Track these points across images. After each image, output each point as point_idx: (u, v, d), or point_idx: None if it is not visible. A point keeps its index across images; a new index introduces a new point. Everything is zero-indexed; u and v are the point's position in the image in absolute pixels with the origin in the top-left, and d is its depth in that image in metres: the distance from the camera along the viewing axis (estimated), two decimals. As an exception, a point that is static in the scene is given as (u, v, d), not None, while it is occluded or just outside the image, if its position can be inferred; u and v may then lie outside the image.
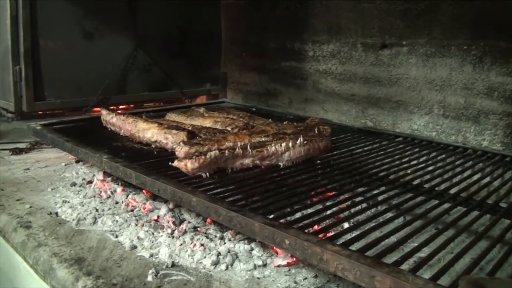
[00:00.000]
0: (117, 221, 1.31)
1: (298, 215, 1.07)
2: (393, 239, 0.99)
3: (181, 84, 2.41)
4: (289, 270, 1.09)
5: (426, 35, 1.80)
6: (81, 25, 1.95)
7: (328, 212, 1.09)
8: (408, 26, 1.86)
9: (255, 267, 1.09)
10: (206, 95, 2.76)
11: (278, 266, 1.10)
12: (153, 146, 1.54)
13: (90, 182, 1.62)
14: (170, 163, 1.28)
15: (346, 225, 1.12)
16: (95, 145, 1.50)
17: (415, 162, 1.54)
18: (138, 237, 1.21)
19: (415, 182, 1.34)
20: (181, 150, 1.28)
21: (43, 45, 1.85)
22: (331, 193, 1.24)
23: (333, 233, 0.99)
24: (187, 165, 1.20)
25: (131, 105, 2.15)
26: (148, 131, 1.47)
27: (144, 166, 1.30)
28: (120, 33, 2.07)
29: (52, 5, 1.87)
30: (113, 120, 1.60)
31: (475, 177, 1.40)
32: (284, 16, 2.38)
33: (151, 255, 1.14)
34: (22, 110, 1.86)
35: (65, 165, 1.88)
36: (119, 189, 1.52)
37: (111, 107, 1.86)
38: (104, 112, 1.66)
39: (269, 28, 2.48)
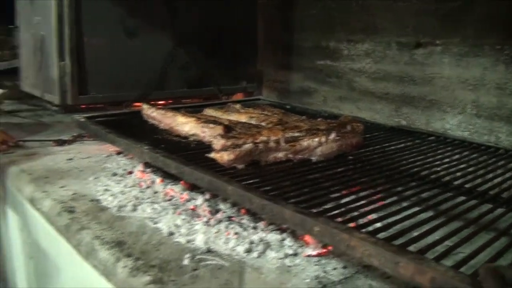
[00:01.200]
0: (156, 209, 1.37)
1: (327, 206, 1.11)
2: (418, 231, 1.02)
3: (218, 81, 2.48)
4: (319, 260, 1.12)
5: (459, 34, 1.80)
6: (123, 24, 2.03)
7: (357, 204, 1.13)
8: (442, 25, 1.87)
9: (286, 256, 1.12)
10: (242, 92, 2.82)
11: (308, 256, 1.13)
12: (190, 139, 1.60)
13: (130, 172, 1.69)
14: (206, 154, 1.34)
15: (374, 216, 1.15)
16: (136, 137, 1.57)
17: (446, 160, 1.55)
18: (175, 224, 1.27)
19: (445, 179, 1.36)
20: (218, 143, 1.34)
21: (87, 42, 1.95)
22: (361, 187, 1.27)
23: (360, 223, 1.02)
24: (223, 157, 1.25)
25: (170, 101, 2.22)
26: (186, 125, 1.54)
27: (183, 157, 1.37)
28: (160, 31, 2.15)
29: (96, 4, 1.96)
30: (153, 114, 1.67)
31: (507, 175, 1.40)
32: (320, 15, 2.41)
33: (188, 241, 1.20)
34: (67, 104, 1.95)
35: (106, 156, 1.97)
36: (158, 180, 1.59)
37: (151, 102, 1.94)
38: (145, 106, 1.74)
39: (305, 27, 2.52)
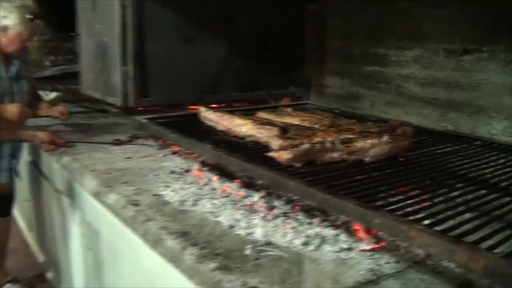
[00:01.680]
0: (215, 204, 1.46)
1: (382, 202, 1.17)
2: (468, 226, 1.07)
3: (268, 86, 2.56)
4: (373, 255, 1.17)
5: (505, 41, 1.83)
6: (182, 31, 2.14)
7: (409, 201, 1.19)
8: (488, 32, 1.90)
9: (341, 249, 1.18)
10: (290, 97, 2.89)
11: (363, 250, 1.18)
12: (247, 139, 1.68)
13: (187, 171, 1.79)
14: (265, 153, 1.42)
15: (424, 213, 1.20)
16: (197, 137, 1.67)
17: (492, 164, 1.59)
18: (235, 218, 1.35)
19: (492, 181, 1.40)
20: (275, 143, 1.41)
21: (148, 49, 2.06)
22: (412, 187, 1.32)
23: (414, 218, 1.08)
24: (282, 156, 1.33)
25: (222, 104, 2.31)
26: (244, 126, 1.62)
27: (243, 155, 1.45)
28: (215, 38, 2.24)
29: (157, 12, 2.08)
30: (211, 116, 1.76)
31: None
32: (369, 22, 2.47)
33: (248, 234, 1.27)
34: (128, 105, 2.07)
35: (163, 156, 2.07)
36: (214, 178, 1.68)
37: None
38: (203, 109, 1.83)
39: (353, 34, 2.57)
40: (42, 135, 2.09)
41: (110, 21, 2.08)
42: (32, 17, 2.19)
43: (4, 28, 2.15)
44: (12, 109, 2.11)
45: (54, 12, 3.78)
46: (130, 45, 2.01)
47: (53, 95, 3.30)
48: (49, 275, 2.86)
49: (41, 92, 3.00)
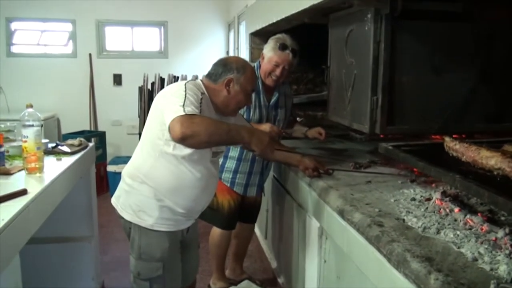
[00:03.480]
0: (458, 235, 1.49)
1: None
2: None
3: (517, 117, 2.41)
4: None
5: None
6: (431, 62, 2.19)
7: None
8: None
9: None
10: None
11: None
12: (495, 173, 1.66)
13: (428, 199, 1.85)
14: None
15: None
16: (442, 167, 1.71)
17: None
18: (478, 252, 1.37)
19: None
20: (527, 179, 1.38)
21: (398, 80, 2.17)
22: None
23: None
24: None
25: (463, 135, 2.29)
26: (492, 159, 1.60)
27: (494, 188, 1.44)
28: (463, 68, 2.24)
29: (407, 46, 2.17)
30: (456, 146, 1.78)
31: None
32: None
33: (491, 269, 1.28)
34: (375, 132, 2.21)
35: (401, 182, 2.16)
36: (456, 209, 1.70)
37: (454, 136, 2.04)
38: (447, 139, 1.87)
39: None
40: (307, 161, 2.38)
41: (362, 55, 2.25)
42: (283, 46, 2.56)
43: (262, 56, 2.60)
44: (263, 127, 2.48)
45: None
46: (381, 76, 2.15)
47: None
48: (280, 280, 3.17)
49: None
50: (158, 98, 1.93)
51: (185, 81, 1.92)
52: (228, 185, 2.77)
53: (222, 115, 2.02)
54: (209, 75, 2.02)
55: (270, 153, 2.02)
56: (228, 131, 1.80)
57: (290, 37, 2.65)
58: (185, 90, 1.82)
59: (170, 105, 1.77)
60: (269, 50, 2.62)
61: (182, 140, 1.72)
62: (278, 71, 2.61)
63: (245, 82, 1.98)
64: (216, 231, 2.91)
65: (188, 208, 1.98)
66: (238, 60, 2.07)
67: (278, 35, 2.68)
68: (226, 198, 2.77)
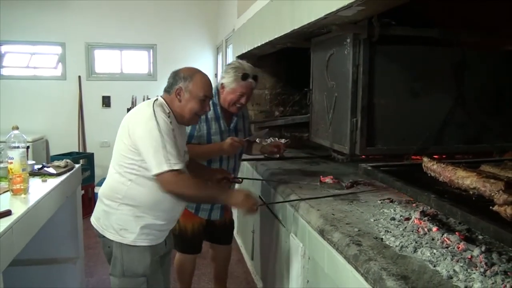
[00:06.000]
0: (434, 253, 1.51)
1: None
2: None
3: (493, 139, 2.47)
4: None
5: None
6: (409, 84, 2.26)
7: None
8: None
9: None
10: (517, 150, 2.72)
11: None
12: (470, 192, 1.70)
13: (408, 219, 1.87)
14: (490, 207, 1.44)
15: None
16: (419, 187, 1.75)
17: None
18: (454, 270, 1.39)
19: None
20: (500, 198, 1.42)
21: (377, 102, 2.23)
22: None
23: None
24: (507, 210, 1.34)
25: (443, 156, 2.34)
26: (467, 179, 1.64)
27: (467, 207, 1.48)
28: (441, 92, 2.30)
29: (386, 70, 2.24)
30: (433, 167, 1.83)
31: None
32: None
33: (466, 287, 1.31)
34: (355, 153, 2.25)
35: (381, 202, 2.19)
36: (434, 228, 1.73)
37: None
38: (425, 159, 1.91)
39: None
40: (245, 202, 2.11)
41: (342, 79, 2.31)
42: (245, 76, 2.55)
43: (222, 86, 2.60)
44: (226, 141, 2.50)
45: (285, 71, 4.31)
46: (360, 99, 2.20)
47: (282, 141, 3.70)
48: (266, 301, 3.17)
49: (269, 140, 3.42)
50: (129, 122, 1.97)
51: (152, 104, 1.96)
52: (193, 211, 2.72)
53: (184, 124, 2.11)
54: (165, 89, 2.09)
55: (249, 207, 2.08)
56: (209, 197, 2.08)
57: (246, 62, 2.63)
58: (156, 119, 1.88)
59: (150, 148, 1.87)
60: (231, 82, 2.57)
61: (168, 193, 1.91)
62: (243, 100, 2.59)
63: (194, 88, 2.02)
64: (178, 256, 2.87)
65: (168, 219, 2.07)
66: (187, 69, 2.10)
67: (235, 63, 2.63)
68: (190, 222, 2.73)
